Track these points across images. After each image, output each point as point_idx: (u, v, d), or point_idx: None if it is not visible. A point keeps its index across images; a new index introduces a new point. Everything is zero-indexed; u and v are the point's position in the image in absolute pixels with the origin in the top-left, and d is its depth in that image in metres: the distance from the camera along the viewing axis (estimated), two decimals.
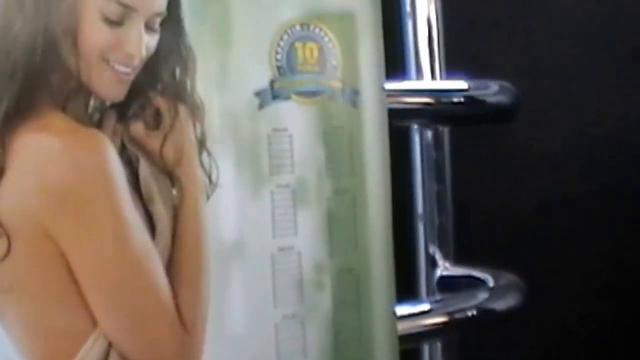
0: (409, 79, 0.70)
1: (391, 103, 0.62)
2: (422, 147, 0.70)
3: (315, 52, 0.55)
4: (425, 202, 0.71)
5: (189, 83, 0.51)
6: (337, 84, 0.56)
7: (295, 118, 0.54)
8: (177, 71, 0.51)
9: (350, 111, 0.56)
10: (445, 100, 0.67)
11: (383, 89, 0.58)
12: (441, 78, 0.69)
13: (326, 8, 0.55)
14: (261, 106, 0.53)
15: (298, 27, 0.54)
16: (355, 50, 0.56)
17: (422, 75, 0.69)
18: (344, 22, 0.56)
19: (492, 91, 0.67)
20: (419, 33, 0.69)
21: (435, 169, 0.70)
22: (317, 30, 0.55)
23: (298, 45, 0.54)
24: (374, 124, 0.57)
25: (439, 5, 0.69)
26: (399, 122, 0.65)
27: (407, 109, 0.66)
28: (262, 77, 0.53)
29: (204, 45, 0.51)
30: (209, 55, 0.51)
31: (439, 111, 0.67)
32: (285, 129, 0.54)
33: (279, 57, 0.54)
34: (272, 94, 0.53)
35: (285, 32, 0.54)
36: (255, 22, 0.53)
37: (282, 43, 0.54)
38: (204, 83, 0.51)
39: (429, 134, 0.70)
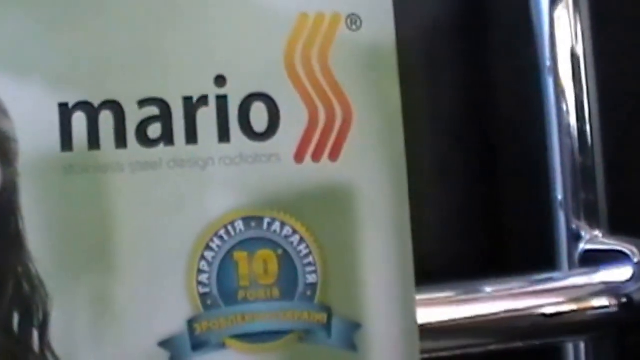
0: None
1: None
2: None
3: (274, 265, 0.32)
4: None
5: (35, 338, 0.31)
6: (316, 316, 0.33)
7: None
8: (15, 320, 0.31)
9: (344, 357, 0.33)
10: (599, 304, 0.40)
11: (412, 312, 0.34)
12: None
13: (297, 185, 0.33)
14: None
15: (240, 225, 0.33)
16: (354, 251, 0.33)
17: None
18: (331, 206, 0.33)
19: None
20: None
21: None
22: (275, 226, 0.33)
23: (239, 256, 0.32)
24: None
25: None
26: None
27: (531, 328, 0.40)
28: (173, 315, 0.32)
29: (69, 271, 0.31)
30: (77, 285, 0.31)
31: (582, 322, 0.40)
32: None
33: (203, 278, 0.32)
34: (191, 341, 0.32)
35: (216, 234, 0.33)
36: (163, 222, 0.32)
37: (209, 254, 0.32)
38: (67, 333, 0.31)
39: None
